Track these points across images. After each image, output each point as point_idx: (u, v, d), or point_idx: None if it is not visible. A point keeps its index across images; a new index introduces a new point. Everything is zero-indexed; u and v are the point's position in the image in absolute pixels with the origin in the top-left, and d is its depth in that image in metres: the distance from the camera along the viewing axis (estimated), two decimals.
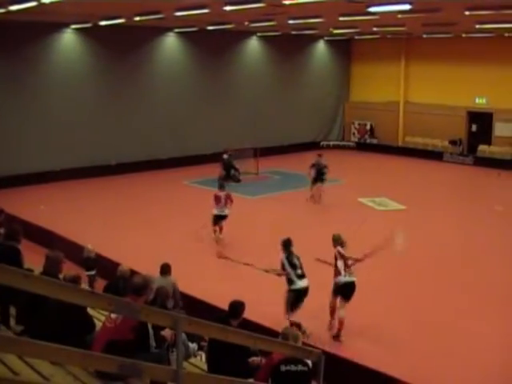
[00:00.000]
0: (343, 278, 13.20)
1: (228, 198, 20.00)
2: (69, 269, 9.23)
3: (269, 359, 7.60)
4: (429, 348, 12.68)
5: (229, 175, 29.83)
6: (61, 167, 29.22)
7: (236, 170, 30.53)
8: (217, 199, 19.92)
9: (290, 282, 13.05)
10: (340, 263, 13.29)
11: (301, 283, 13.03)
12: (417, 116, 39.13)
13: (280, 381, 7.29)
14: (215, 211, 19.92)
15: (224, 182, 25.66)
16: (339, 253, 13.34)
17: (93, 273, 15.00)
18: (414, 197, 26.26)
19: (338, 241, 13.65)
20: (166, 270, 12.21)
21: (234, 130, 35.47)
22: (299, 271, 13.11)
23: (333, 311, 13.63)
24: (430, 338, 13.20)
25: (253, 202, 24.94)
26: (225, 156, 30.58)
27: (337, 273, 13.33)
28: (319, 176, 25.23)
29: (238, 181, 29.77)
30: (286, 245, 13.42)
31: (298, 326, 12.50)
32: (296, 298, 13.04)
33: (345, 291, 13.23)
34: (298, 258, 13.32)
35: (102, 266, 16.11)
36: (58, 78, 29.64)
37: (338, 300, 13.38)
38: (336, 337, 13.19)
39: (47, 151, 29.04)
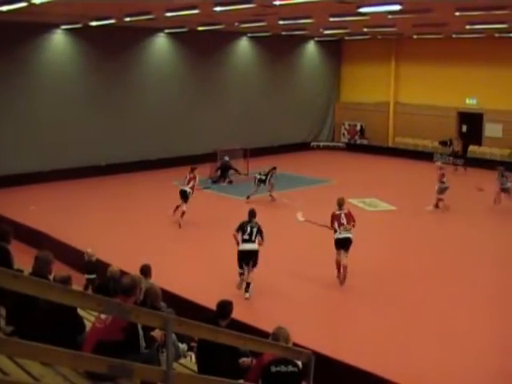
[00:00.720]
0: (338, 235, 16.14)
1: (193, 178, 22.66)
2: (58, 269, 9.22)
3: (259, 360, 7.60)
4: (420, 349, 12.71)
5: (223, 176, 29.95)
6: (51, 168, 29.13)
7: (236, 170, 30.80)
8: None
9: (238, 244, 15.49)
10: (336, 223, 16.22)
11: (244, 245, 15.36)
12: (407, 117, 39.22)
13: (270, 382, 7.27)
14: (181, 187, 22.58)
15: (216, 182, 25.87)
16: (332, 214, 16.45)
17: (93, 276, 14.94)
18: (404, 197, 26.31)
19: (338, 204, 16.68)
20: (145, 272, 11.31)
21: (224, 130, 35.46)
22: (246, 236, 15.29)
23: (338, 265, 16.40)
24: (421, 339, 13.24)
25: (243, 202, 24.91)
26: (226, 158, 30.71)
27: (334, 231, 16.23)
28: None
29: (230, 182, 29.90)
30: (250, 214, 15.75)
31: (241, 273, 15.60)
32: (240, 257, 15.49)
33: (341, 244, 16.14)
34: (252, 227, 15.39)
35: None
36: (47, 78, 29.59)
37: (341, 252, 16.20)
38: (343, 282, 16.31)
39: (37, 152, 28.95)
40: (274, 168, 26.66)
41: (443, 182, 24.33)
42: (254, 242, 15.33)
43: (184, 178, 22.89)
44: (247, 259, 15.44)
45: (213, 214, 23.52)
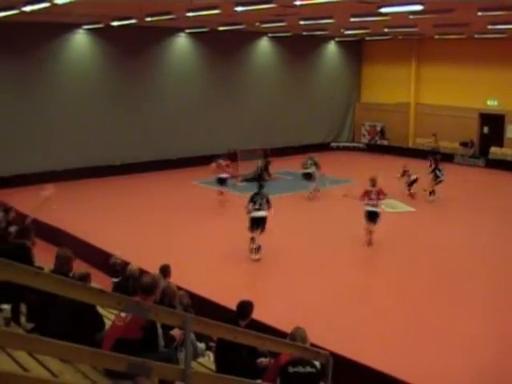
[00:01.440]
0: (365, 208, 19.73)
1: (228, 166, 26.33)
2: (78, 267, 9.27)
3: (277, 360, 7.59)
4: (437, 351, 12.66)
5: (261, 178, 29.87)
6: (67, 167, 29.28)
7: (269, 175, 30.88)
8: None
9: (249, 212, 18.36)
10: (366, 198, 19.67)
11: (254, 213, 18.26)
12: (428, 117, 39.02)
13: (288, 382, 7.27)
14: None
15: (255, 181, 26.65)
16: (364, 190, 19.82)
17: (118, 280, 14.94)
18: (423, 199, 26.17)
19: (370, 181, 19.91)
20: (164, 272, 11.21)
21: (244, 130, 35.51)
22: (256, 206, 18.24)
23: (367, 231, 19.79)
24: (438, 341, 13.19)
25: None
26: (268, 159, 31.06)
27: (364, 204, 19.76)
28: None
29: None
30: (259, 187, 19.27)
31: (252, 238, 18.37)
32: (252, 222, 18.29)
33: (369, 217, 19.68)
34: (261, 198, 18.41)
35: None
36: (69, 78, 29.81)
37: (369, 223, 19.69)
38: (370, 244, 19.74)
39: (57, 150, 29.19)
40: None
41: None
42: (263, 210, 18.31)
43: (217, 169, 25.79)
44: (257, 224, 18.31)
45: (236, 213, 23.46)
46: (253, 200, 18.44)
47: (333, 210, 24.82)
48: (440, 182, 26.33)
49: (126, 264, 14.03)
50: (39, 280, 4.77)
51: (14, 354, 6.42)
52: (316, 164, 27.30)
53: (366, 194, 19.72)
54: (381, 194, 19.74)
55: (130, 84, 31.88)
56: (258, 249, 18.39)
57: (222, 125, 35.03)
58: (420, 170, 27.11)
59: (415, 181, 26.81)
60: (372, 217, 19.65)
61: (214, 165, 25.94)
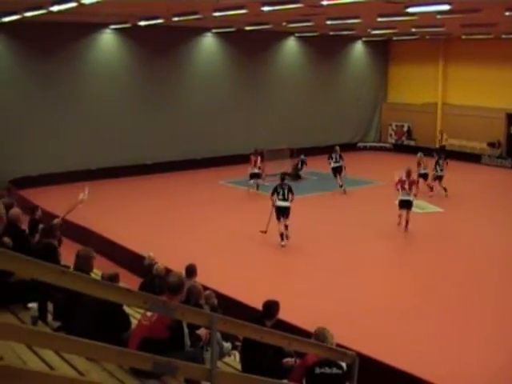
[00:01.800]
0: (401, 197, 21.42)
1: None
2: (106, 267, 9.29)
3: (303, 360, 7.55)
4: (463, 350, 12.58)
5: (297, 175, 30.16)
6: (98, 166, 29.53)
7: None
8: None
9: (274, 203, 19.81)
10: (399, 187, 21.53)
11: (279, 203, 19.73)
12: (455, 118, 38.74)
13: (314, 383, 7.25)
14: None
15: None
16: (399, 179, 21.68)
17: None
18: (451, 199, 26.01)
19: (406, 172, 21.71)
20: (190, 272, 11.22)
21: (271, 130, 35.45)
22: (280, 196, 19.70)
23: (400, 218, 21.56)
24: (464, 340, 13.11)
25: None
26: (302, 156, 31.29)
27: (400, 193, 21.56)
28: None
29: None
30: (281, 178, 20.69)
31: (281, 234, 19.72)
32: (278, 212, 19.71)
33: (403, 205, 21.40)
34: (283, 189, 19.83)
35: (138, 263, 16.27)
36: (95, 77, 30.02)
37: (403, 211, 21.38)
38: (406, 229, 21.41)
39: (85, 150, 29.42)
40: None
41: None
42: (286, 200, 19.74)
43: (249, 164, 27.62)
44: (282, 213, 19.63)
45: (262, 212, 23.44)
46: (276, 191, 19.89)
47: (358, 208, 24.75)
48: (437, 177, 27.00)
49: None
50: (65, 279, 4.79)
51: (41, 352, 6.45)
52: (341, 157, 28.05)
53: (400, 182, 21.59)
54: (413, 185, 21.64)
55: (157, 84, 31.99)
56: (286, 236, 19.83)
57: (248, 125, 35.05)
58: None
59: (426, 175, 27.33)
60: (405, 205, 21.33)
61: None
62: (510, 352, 12.64)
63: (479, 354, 12.50)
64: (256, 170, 27.42)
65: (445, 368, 11.65)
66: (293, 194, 19.88)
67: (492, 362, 12.16)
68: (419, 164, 27.36)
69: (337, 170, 27.71)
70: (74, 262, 8.45)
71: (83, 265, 8.17)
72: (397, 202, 21.69)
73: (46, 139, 28.14)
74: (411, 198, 21.42)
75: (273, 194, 19.92)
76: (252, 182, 27.36)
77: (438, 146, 36.76)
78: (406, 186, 21.44)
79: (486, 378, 11.54)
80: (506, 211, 24.48)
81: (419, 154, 27.82)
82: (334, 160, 27.70)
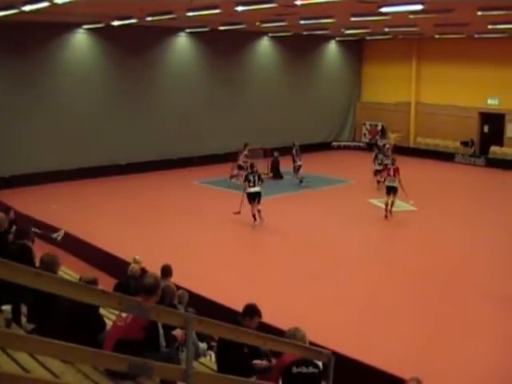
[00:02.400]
0: (386, 183, 23.47)
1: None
2: (80, 268, 9.23)
3: (280, 360, 7.56)
4: (441, 350, 12.64)
5: (278, 175, 30.22)
6: (71, 167, 29.34)
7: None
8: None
9: (246, 189, 22.07)
10: (386, 173, 23.93)
11: (251, 189, 21.83)
12: (428, 117, 39.03)
13: (290, 383, 7.25)
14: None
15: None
16: (385, 166, 25.16)
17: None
18: (424, 198, 26.17)
19: (392, 160, 24.61)
20: (166, 272, 11.31)
21: (245, 130, 35.38)
22: (252, 183, 21.84)
23: (386, 204, 23.11)
24: (442, 339, 13.18)
25: (264, 202, 24.93)
26: (275, 154, 31.07)
27: (384, 180, 24.12)
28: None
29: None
30: (251, 166, 22.91)
31: (253, 215, 21.86)
32: (249, 197, 21.91)
33: (388, 190, 23.19)
34: (254, 176, 22.04)
35: (113, 264, 16.22)
36: (69, 77, 29.77)
37: (390, 196, 23.13)
38: (387, 215, 23.02)
39: (58, 151, 29.15)
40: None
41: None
42: (257, 185, 21.90)
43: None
44: (254, 197, 21.80)
45: (230, 212, 23.44)
46: (248, 179, 22.12)
47: (331, 207, 24.85)
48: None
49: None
50: (39, 280, 4.76)
51: (15, 355, 6.40)
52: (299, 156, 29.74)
53: (387, 169, 24.23)
54: (396, 172, 23.41)
55: (131, 84, 31.85)
56: (259, 217, 21.86)
57: (222, 124, 34.98)
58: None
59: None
60: (391, 190, 23.20)
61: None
62: (487, 351, 12.74)
63: (462, 353, 12.58)
64: (240, 162, 28.89)
65: (426, 367, 11.66)
66: (262, 181, 22.45)
67: (476, 361, 12.25)
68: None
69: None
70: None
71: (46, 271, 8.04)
72: (385, 186, 23.65)
73: (19, 140, 27.85)
74: (396, 184, 23.19)
75: (245, 181, 22.35)
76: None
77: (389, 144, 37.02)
78: (391, 173, 23.47)
79: (470, 378, 11.61)
80: (479, 209, 24.70)
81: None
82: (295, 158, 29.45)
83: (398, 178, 23.28)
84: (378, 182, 27.57)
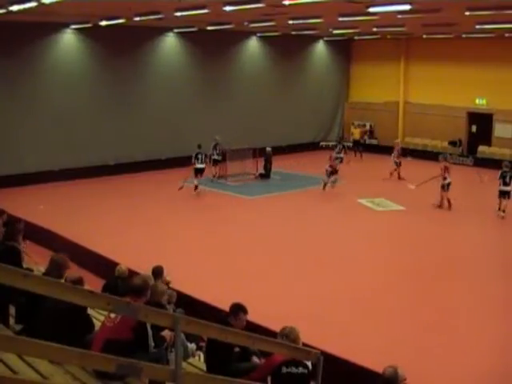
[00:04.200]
0: (447, 181, 24.88)
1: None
2: (71, 270, 9.18)
3: (270, 359, 7.56)
4: (430, 349, 12.67)
5: (267, 173, 30.31)
6: (60, 167, 29.23)
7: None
8: None
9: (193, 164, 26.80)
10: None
11: (198, 165, 26.75)
12: (417, 116, 39.14)
13: (280, 383, 7.26)
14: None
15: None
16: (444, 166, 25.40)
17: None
18: (413, 198, 26.22)
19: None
20: (157, 273, 11.22)
21: (234, 130, 35.32)
22: (199, 161, 26.89)
23: (442, 199, 24.87)
24: (430, 339, 13.21)
25: (252, 202, 24.99)
26: (268, 149, 31.19)
27: (444, 177, 24.99)
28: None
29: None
30: (198, 146, 27.16)
31: (196, 186, 26.57)
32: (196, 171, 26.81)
33: (446, 187, 24.79)
34: (201, 155, 26.95)
35: (101, 264, 16.19)
36: (57, 78, 29.63)
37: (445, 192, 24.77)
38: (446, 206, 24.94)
39: (46, 151, 29.01)
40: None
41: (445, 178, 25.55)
42: (203, 162, 27.05)
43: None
44: (199, 172, 26.94)
45: (218, 212, 23.46)
46: (196, 156, 26.89)
47: (319, 207, 24.87)
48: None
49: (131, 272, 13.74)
50: (28, 282, 4.74)
51: (3, 356, 6.38)
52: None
53: (445, 169, 25.24)
54: (446, 171, 25.05)
55: (119, 84, 31.74)
56: (196, 187, 26.76)
57: (211, 124, 34.84)
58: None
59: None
60: (448, 186, 24.96)
61: None
62: (479, 352, 12.77)
63: (452, 353, 12.59)
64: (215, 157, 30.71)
65: (417, 367, 11.65)
66: (207, 158, 28.01)
67: (466, 363, 12.27)
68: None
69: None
70: (46, 268, 8.33)
71: (53, 271, 8.04)
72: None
73: (4, 140, 27.69)
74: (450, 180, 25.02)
75: (194, 158, 26.88)
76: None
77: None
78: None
79: (463, 378, 11.64)
80: (466, 208, 24.75)
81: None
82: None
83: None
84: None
